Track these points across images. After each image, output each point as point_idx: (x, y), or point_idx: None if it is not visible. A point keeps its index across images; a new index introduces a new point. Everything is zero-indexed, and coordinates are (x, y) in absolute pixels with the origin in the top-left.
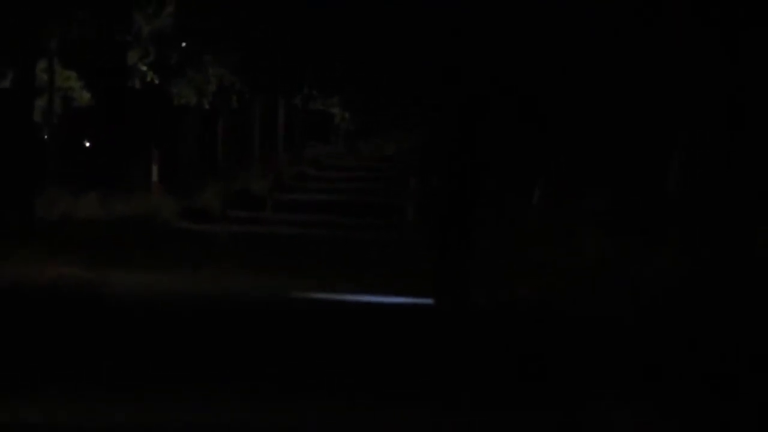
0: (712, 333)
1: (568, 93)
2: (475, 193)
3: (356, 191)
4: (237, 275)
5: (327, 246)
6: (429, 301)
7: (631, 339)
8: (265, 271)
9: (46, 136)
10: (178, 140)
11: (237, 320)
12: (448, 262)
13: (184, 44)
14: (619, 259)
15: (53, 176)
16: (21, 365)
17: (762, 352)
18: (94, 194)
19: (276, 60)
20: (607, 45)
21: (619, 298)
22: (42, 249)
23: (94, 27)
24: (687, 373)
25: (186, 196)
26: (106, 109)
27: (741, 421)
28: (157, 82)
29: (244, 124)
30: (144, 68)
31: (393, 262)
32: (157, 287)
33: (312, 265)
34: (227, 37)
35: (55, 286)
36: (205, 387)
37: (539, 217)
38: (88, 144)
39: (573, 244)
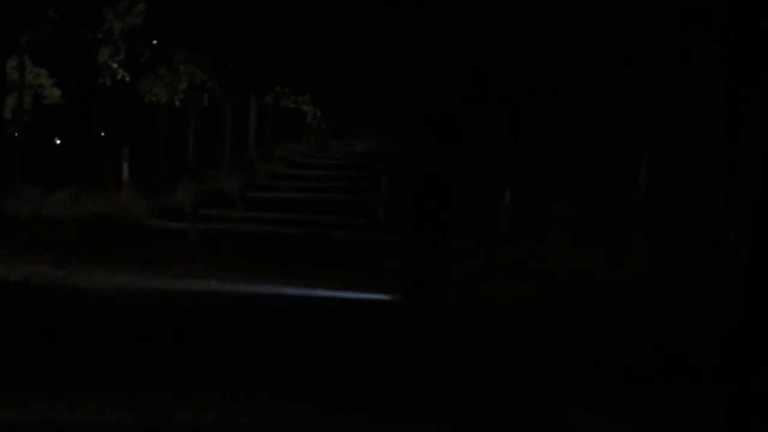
0: (682, 334)
1: (546, 95)
2: (452, 194)
3: (328, 189)
4: (207, 273)
5: (298, 243)
6: (398, 298)
7: (603, 339)
8: (234, 269)
9: (16, 134)
10: (149, 138)
11: (207, 318)
12: (422, 263)
13: (155, 42)
14: (589, 261)
15: (23, 174)
16: None
17: (727, 353)
18: (65, 192)
19: (249, 56)
20: (585, 50)
21: (590, 300)
22: (12, 247)
23: (65, 25)
24: (657, 373)
25: (157, 194)
26: (77, 106)
27: (702, 418)
28: (127, 79)
29: (216, 123)
30: (115, 66)
31: (364, 259)
32: (129, 285)
33: (283, 262)
34: (199, 34)
35: (25, 285)
36: (179, 386)
37: (511, 218)
38: (58, 141)
39: (543, 246)
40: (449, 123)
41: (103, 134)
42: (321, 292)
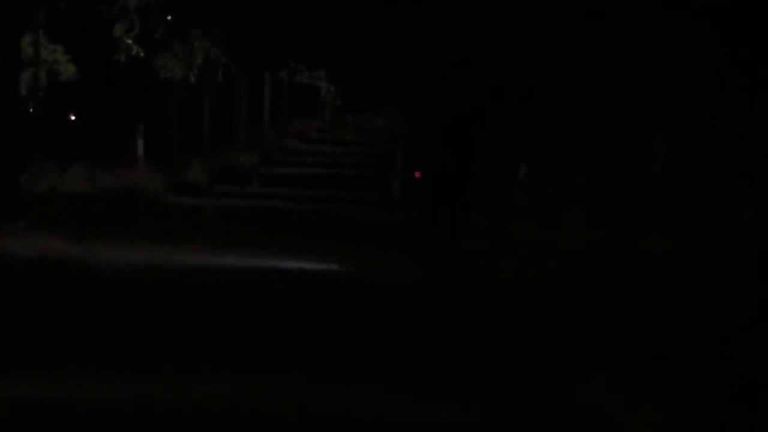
0: (700, 314)
1: (561, 79)
2: (468, 174)
3: (343, 165)
4: (224, 249)
5: (314, 219)
6: (413, 276)
7: (618, 318)
8: (251, 245)
9: (31, 110)
10: (163, 115)
11: (221, 295)
12: (437, 242)
13: (169, 17)
14: (603, 241)
15: (39, 150)
16: (8, 340)
17: (745, 333)
18: (81, 168)
19: (262, 32)
20: (602, 36)
21: (605, 280)
22: (28, 223)
23: (80, 0)
24: (676, 354)
25: (172, 170)
26: (93, 82)
27: (727, 398)
28: (142, 55)
29: (230, 99)
30: (129, 42)
31: (379, 236)
32: (146, 261)
33: (299, 238)
34: (212, 10)
35: (41, 261)
36: (191, 362)
37: (525, 196)
38: (73, 118)
39: (558, 225)
40: (464, 117)
41: (114, 110)
42: (335, 268)
